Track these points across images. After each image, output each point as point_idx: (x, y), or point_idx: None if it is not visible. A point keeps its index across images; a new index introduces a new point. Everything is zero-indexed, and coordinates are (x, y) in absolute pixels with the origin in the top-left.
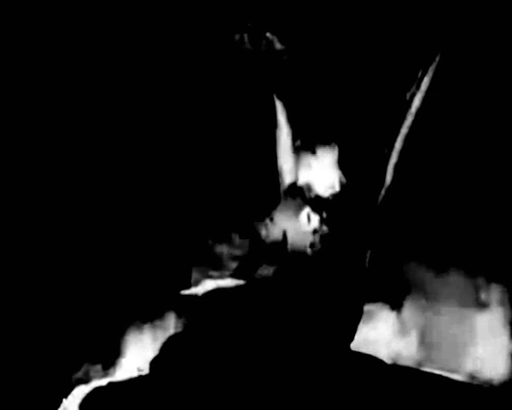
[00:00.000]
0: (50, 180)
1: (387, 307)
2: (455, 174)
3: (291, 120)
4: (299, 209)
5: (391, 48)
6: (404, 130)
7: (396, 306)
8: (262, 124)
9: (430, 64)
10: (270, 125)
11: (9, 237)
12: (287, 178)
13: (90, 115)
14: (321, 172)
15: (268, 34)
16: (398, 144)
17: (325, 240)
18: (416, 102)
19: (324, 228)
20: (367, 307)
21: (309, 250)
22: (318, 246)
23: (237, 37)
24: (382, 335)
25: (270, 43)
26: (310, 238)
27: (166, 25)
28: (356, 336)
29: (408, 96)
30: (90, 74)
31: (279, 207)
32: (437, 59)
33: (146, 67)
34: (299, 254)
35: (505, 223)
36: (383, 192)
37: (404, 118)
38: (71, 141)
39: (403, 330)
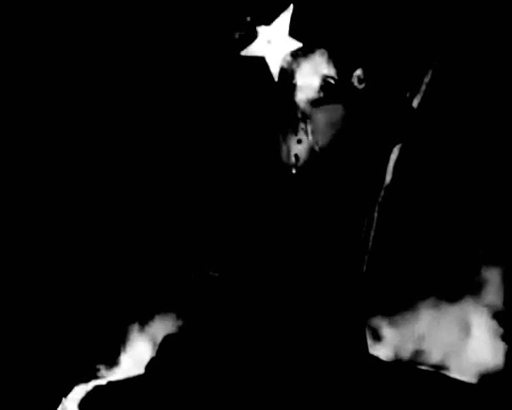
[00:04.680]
0: (49, 179)
1: (386, 308)
2: (456, 174)
3: (288, 117)
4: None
5: (391, 48)
6: (403, 129)
7: (394, 305)
8: (261, 120)
9: (430, 64)
10: (268, 122)
11: (8, 234)
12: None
13: (89, 115)
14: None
15: (265, 33)
16: (398, 144)
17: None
18: (416, 102)
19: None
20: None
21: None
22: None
23: (237, 35)
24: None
25: (268, 40)
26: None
27: (163, 24)
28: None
29: (407, 95)
30: (88, 74)
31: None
32: (437, 59)
33: (143, 66)
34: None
35: (506, 224)
36: (383, 192)
37: (403, 117)
38: (70, 141)
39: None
